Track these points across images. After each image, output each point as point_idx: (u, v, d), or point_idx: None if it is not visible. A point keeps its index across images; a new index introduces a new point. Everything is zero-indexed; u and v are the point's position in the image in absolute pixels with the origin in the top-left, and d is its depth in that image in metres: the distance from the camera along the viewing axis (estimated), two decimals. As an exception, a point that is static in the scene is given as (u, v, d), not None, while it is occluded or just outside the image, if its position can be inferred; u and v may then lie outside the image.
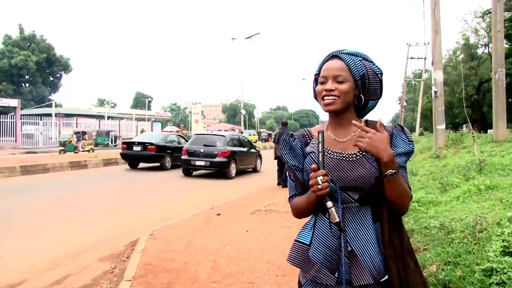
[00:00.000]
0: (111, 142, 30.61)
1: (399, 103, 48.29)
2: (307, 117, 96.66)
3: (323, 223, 1.38)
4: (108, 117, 39.23)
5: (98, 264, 4.26)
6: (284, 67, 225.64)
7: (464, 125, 32.35)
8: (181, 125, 61.89)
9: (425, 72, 33.61)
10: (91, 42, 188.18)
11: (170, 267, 3.92)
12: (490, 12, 16.19)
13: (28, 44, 44.94)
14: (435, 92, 11.52)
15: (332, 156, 1.37)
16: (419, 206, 4.89)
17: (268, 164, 13.72)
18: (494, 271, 2.42)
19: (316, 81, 1.45)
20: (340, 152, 1.37)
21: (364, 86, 1.38)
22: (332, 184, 1.30)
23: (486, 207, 3.92)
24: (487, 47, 25.11)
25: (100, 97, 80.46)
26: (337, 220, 1.24)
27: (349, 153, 1.36)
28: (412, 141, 1.39)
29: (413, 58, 33.71)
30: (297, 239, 1.45)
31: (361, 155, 1.34)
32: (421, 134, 29.67)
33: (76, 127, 31.65)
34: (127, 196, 8.98)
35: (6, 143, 25.74)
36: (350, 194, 1.34)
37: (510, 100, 19.23)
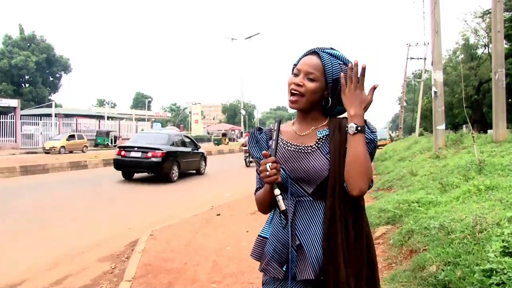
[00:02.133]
0: (111, 143, 30.59)
1: (399, 104, 48.33)
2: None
3: (277, 216, 1.39)
4: (108, 118, 39.20)
5: (98, 264, 4.26)
6: (284, 67, 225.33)
7: (464, 126, 32.33)
8: (181, 125, 61.91)
9: (425, 72, 33.60)
10: (91, 42, 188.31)
11: (170, 267, 3.92)
12: (490, 13, 16.20)
13: (28, 44, 44.93)
14: (435, 92, 11.51)
15: (288, 147, 1.38)
16: (419, 206, 4.88)
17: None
18: (494, 271, 2.41)
19: (292, 71, 1.44)
20: (297, 144, 1.38)
21: (334, 90, 1.36)
22: (283, 173, 1.31)
23: (486, 208, 3.91)
24: (487, 48, 25.11)
25: (100, 97, 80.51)
26: (283, 208, 1.25)
27: (306, 145, 1.37)
28: (375, 132, 1.36)
29: (413, 58, 33.70)
30: (260, 233, 1.48)
31: (316, 148, 1.35)
32: (421, 134, 29.64)
33: (76, 127, 31.68)
34: (127, 196, 8.97)
35: (6, 143, 25.73)
36: (303, 187, 1.33)
37: (510, 100, 19.23)
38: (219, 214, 6.39)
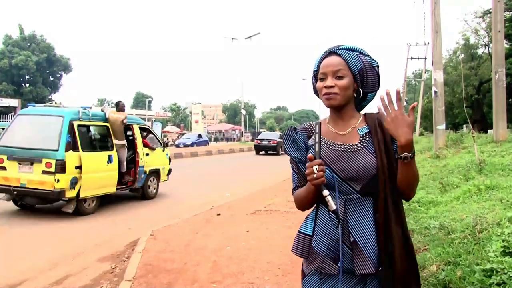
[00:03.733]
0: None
1: (399, 103, 48.19)
2: (307, 117, 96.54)
3: (324, 214, 1.42)
4: (108, 117, 39.16)
5: (98, 264, 4.26)
6: (284, 67, 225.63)
7: (464, 125, 32.29)
8: (181, 125, 61.90)
9: (425, 72, 33.61)
10: (91, 42, 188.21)
11: (170, 267, 3.92)
12: (490, 12, 16.19)
13: (28, 44, 44.93)
14: (435, 92, 11.51)
15: (333, 148, 1.41)
16: (419, 206, 4.88)
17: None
18: (494, 271, 2.41)
19: (315, 78, 1.48)
20: (342, 144, 1.41)
21: (362, 80, 1.42)
22: (329, 173, 1.34)
23: (486, 207, 3.91)
24: (487, 47, 25.11)
25: (100, 97, 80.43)
26: (334, 208, 1.28)
27: (351, 144, 1.40)
28: None
29: (413, 58, 33.71)
30: (300, 230, 1.50)
31: (362, 146, 1.39)
32: (421, 134, 29.66)
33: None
34: (127, 195, 8.96)
35: (6, 143, 25.73)
36: (351, 185, 1.37)
37: (510, 100, 19.23)
38: (219, 214, 6.39)
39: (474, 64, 26.48)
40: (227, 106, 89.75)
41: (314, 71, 1.48)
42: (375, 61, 1.45)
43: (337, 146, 1.41)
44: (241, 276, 3.68)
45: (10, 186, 6.16)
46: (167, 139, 33.88)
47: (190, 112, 77.23)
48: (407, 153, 1.28)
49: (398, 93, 1.28)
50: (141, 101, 71.61)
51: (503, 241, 2.74)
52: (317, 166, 1.25)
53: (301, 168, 1.45)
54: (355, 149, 1.38)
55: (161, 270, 3.86)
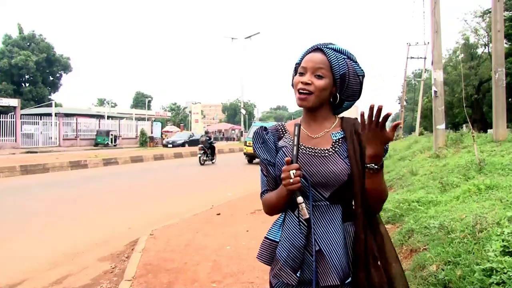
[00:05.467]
0: (111, 142, 30.58)
1: (399, 103, 48.32)
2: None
3: (291, 220, 1.35)
4: (108, 117, 39.17)
5: (98, 264, 4.26)
6: (284, 67, 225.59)
7: (464, 125, 32.30)
8: (181, 124, 61.86)
9: (425, 72, 33.60)
10: (91, 42, 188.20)
11: (170, 267, 3.92)
12: (490, 12, 16.18)
13: (28, 44, 44.88)
14: (435, 92, 11.50)
15: (304, 151, 1.33)
16: (419, 206, 4.88)
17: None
18: (494, 271, 2.41)
19: (296, 70, 1.41)
20: (312, 147, 1.34)
21: (342, 85, 1.34)
22: (304, 180, 1.26)
23: (486, 207, 3.91)
24: (487, 47, 25.10)
25: (100, 97, 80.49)
26: (307, 216, 1.22)
27: (322, 148, 1.33)
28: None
29: (413, 58, 33.72)
30: (267, 236, 1.45)
31: (333, 151, 1.32)
32: (421, 134, 29.63)
33: (76, 127, 31.66)
34: (127, 196, 8.97)
35: (6, 142, 25.73)
36: (320, 191, 1.30)
37: (510, 100, 19.23)
38: (219, 214, 6.39)
39: (474, 64, 26.47)
40: (226, 106, 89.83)
41: (296, 64, 1.41)
42: (361, 69, 1.37)
43: (308, 149, 1.33)
44: (241, 276, 3.68)
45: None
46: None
47: (190, 112, 77.24)
48: (373, 164, 1.22)
49: (379, 110, 1.17)
50: (140, 101, 71.60)
51: (503, 240, 2.74)
52: (294, 171, 1.19)
53: (271, 171, 1.38)
54: (326, 154, 1.31)
55: (161, 269, 3.86)
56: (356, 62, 1.36)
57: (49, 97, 45.79)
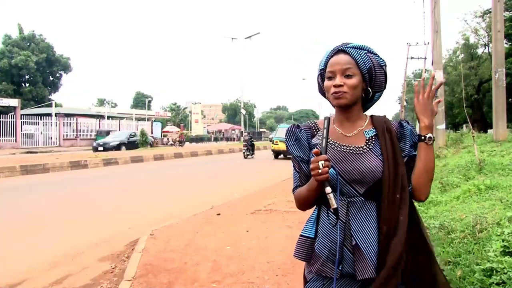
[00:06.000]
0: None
1: (399, 103, 48.30)
2: (307, 117, 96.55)
3: (325, 215, 1.39)
4: (108, 117, 39.18)
5: (98, 264, 4.26)
6: (284, 67, 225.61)
7: (464, 125, 32.30)
8: (181, 125, 61.87)
9: (425, 72, 33.56)
10: (91, 42, 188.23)
11: (170, 267, 3.92)
12: (490, 12, 16.18)
13: (28, 44, 44.86)
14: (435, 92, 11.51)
15: (338, 148, 1.38)
16: (419, 206, 4.88)
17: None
18: (494, 271, 2.41)
19: (321, 76, 1.45)
20: (347, 145, 1.38)
21: (371, 79, 1.40)
22: (333, 173, 1.31)
23: (486, 207, 3.91)
24: (487, 47, 25.12)
25: (100, 97, 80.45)
26: (335, 206, 1.25)
27: (356, 146, 1.37)
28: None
29: (413, 58, 33.67)
30: (302, 233, 1.47)
31: (368, 149, 1.36)
32: (421, 134, 29.62)
33: (76, 127, 31.67)
34: (127, 196, 8.97)
35: (6, 142, 25.75)
36: (355, 187, 1.34)
37: (510, 100, 19.22)
38: (219, 214, 6.39)
39: (474, 64, 26.48)
40: (227, 106, 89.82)
41: (320, 70, 1.45)
42: (383, 60, 1.43)
43: (342, 147, 1.38)
44: (241, 276, 3.68)
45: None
46: (167, 139, 33.43)
47: (190, 112, 77.26)
48: (430, 134, 1.31)
49: (432, 78, 1.33)
50: (140, 101, 71.58)
51: (503, 240, 2.74)
52: (322, 162, 1.22)
53: (303, 168, 1.42)
54: (361, 151, 1.36)
55: (161, 269, 3.86)
56: (376, 54, 1.43)
57: (49, 97, 45.78)
